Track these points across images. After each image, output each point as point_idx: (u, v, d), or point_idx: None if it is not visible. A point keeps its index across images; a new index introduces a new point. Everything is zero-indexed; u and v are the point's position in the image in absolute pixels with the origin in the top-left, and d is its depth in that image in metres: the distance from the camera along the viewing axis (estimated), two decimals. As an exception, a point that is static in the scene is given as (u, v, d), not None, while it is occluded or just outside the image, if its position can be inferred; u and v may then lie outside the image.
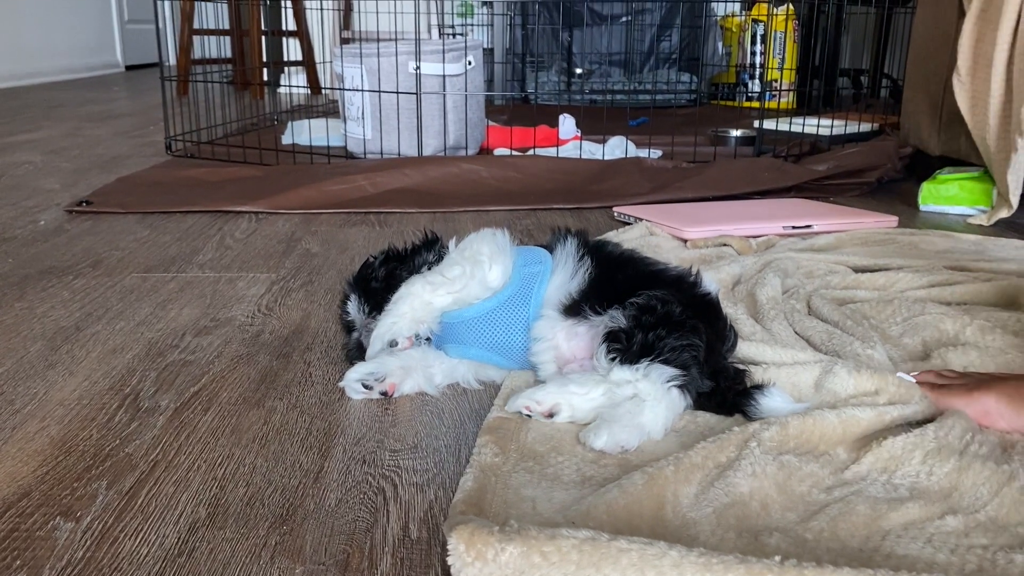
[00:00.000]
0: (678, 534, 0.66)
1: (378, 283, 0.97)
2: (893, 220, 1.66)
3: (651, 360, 0.82)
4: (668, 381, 0.82)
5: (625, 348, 0.83)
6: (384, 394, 0.90)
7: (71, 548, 0.65)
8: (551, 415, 0.84)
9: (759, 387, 0.86)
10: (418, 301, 0.92)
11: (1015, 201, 1.67)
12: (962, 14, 1.78)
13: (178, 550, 0.65)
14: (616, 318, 0.86)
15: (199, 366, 0.99)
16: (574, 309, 0.90)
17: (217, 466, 0.77)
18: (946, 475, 0.73)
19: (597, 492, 0.69)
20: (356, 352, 0.98)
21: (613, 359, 0.84)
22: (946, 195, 1.84)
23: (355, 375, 0.90)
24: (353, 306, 0.98)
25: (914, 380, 0.88)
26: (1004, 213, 1.69)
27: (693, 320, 0.85)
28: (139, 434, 0.83)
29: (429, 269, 0.96)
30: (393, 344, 0.92)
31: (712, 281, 0.96)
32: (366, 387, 0.90)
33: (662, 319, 0.84)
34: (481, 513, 0.67)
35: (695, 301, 0.90)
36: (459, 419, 0.87)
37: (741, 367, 0.90)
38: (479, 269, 0.93)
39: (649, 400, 0.81)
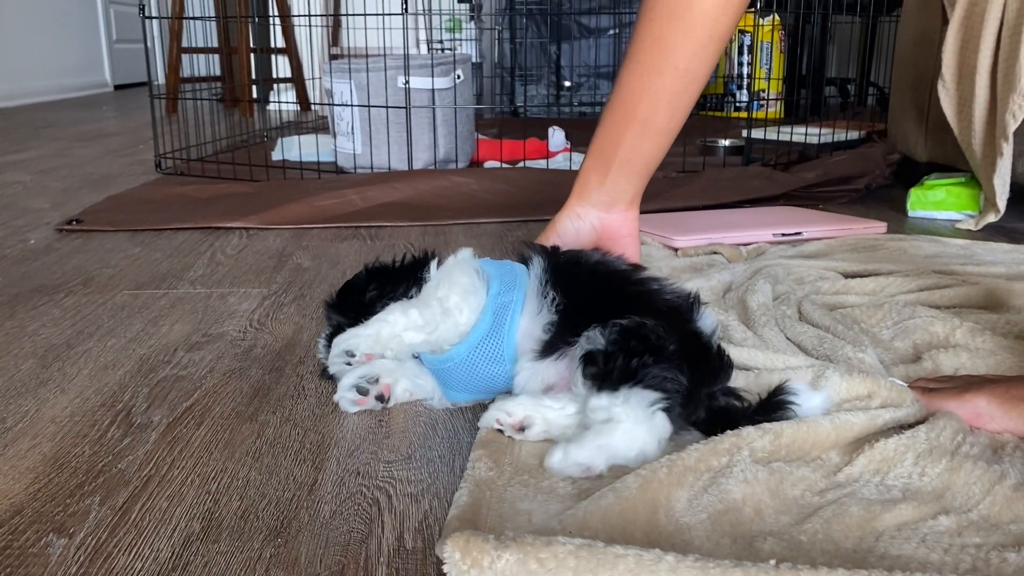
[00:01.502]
0: (672, 539, 0.66)
1: (355, 314, 0.93)
2: (882, 226, 1.67)
3: (632, 385, 0.76)
4: (652, 404, 0.76)
5: (603, 372, 0.77)
6: (380, 399, 0.90)
7: (64, 564, 0.64)
8: (522, 428, 0.81)
9: (782, 391, 0.81)
10: (388, 329, 0.89)
11: (1002, 205, 1.68)
12: (945, 21, 1.80)
13: (172, 564, 0.64)
14: (594, 339, 0.80)
15: (191, 381, 0.99)
16: (551, 346, 0.84)
17: (211, 480, 0.77)
18: (938, 475, 0.73)
19: (591, 497, 0.69)
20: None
21: (591, 385, 0.78)
22: (934, 200, 1.85)
23: (349, 380, 0.90)
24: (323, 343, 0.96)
25: (906, 385, 0.88)
26: (991, 217, 1.71)
27: (682, 359, 0.79)
28: (132, 450, 0.82)
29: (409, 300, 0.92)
30: (350, 354, 0.90)
31: (711, 315, 0.88)
32: (361, 392, 0.89)
33: (652, 348, 0.78)
34: (477, 528, 0.67)
35: (687, 337, 0.82)
36: (453, 429, 0.87)
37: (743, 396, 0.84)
38: (449, 318, 0.89)
39: (625, 422, 0.75)
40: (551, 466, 0.75)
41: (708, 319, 0.86)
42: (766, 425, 0.76)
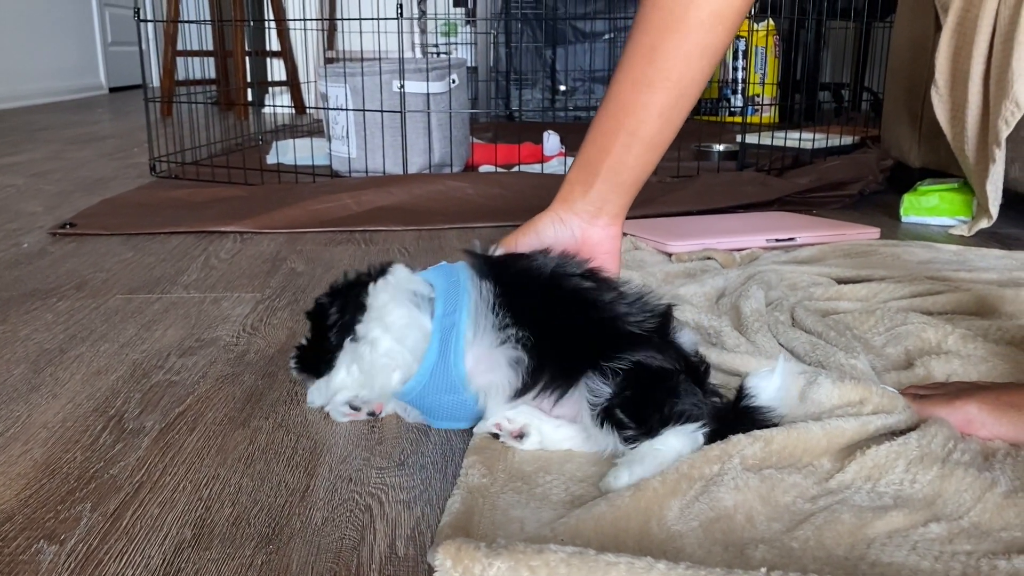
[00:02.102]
0: (664, 547, 0.66)
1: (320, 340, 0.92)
2: (875, 232, 1.67)
3: (671, 425, 0.76)
4: (693, 432, 0.76)
5: (638, 432, 0.76)
6: (373, 415, 0.90)
7: (55, 571, 0.64)
8: (520, 436, 0.81)
9: (742, 397, 0.81)
10: (334, 385, 0.91)
11: (995, 211, 1.69)
12: (939, 28, 1.81)
13: (163, 572, 0.64)
14: (599, 390, 0.77)
15: (184, 387, 0.99)
16: (530, 388, 0.81)
17: (202, 486, 0.77)
18: (929, 483, 0.73)
19: (585, 506, 0.69)
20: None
21: (627, 438, 0.76)
22: (927, 206, 1.86)
23: (342, 397, 0.90)
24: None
25: (897, 392, 0.89)
26: (984, 223, 1.71)
27: (688, 383, 0.79)
28: (124, 455, 0.82)
29: (352, 339, 0.88)
30: (355, 409, 0.90)
31: (689, 334, 0.84)
32: (354, 408, 0.89)
33: (669, 388, 0.77)
34: (469, 536, 0.67)
35: (681, 358, 0.81)
36: (446, 436, 0.87)
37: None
38: (381, 373, 0.86)
39: (674, 445, 0.76)
40: (612, 486, 0.74)
41: (686, 335, 0.83)
42: (756, 432, 0.76)
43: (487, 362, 0.82)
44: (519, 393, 0.81)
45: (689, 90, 0.91)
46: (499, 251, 0.92)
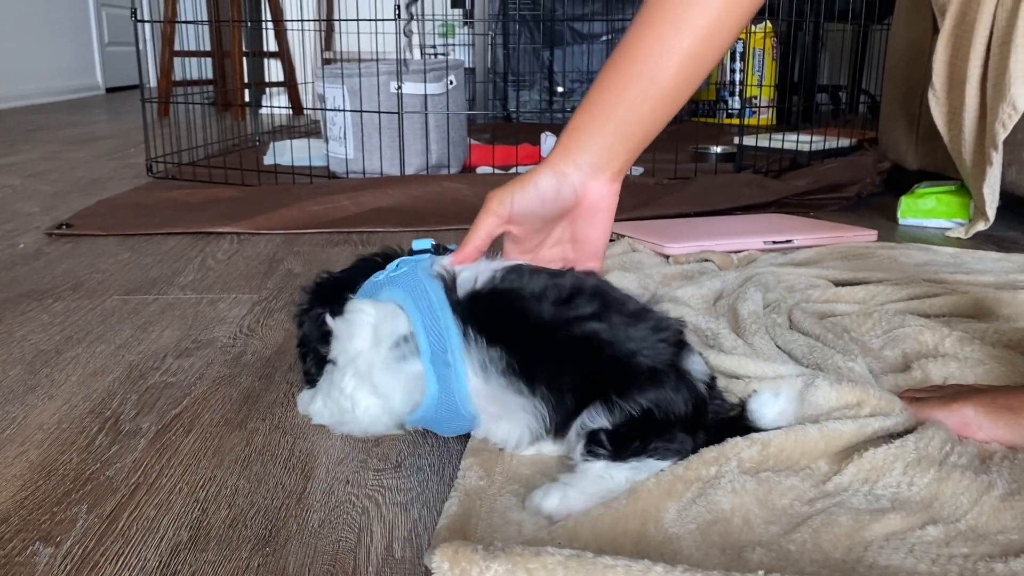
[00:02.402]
0: (661, 550, 0.66)
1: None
2: (872, 234, 1.68)
3: (642, 458, 0.73)
4: (660, 469, 0.72)
5: (613, 453, 0.73)
6: None
7: (51, 574, 0.64)
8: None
9: (744, 415, 0.78)
10: (314, 413, 0.90)
11: (992, 214, 1.69)
12: (936, 30, 1.81)
13: (160, 574, 0.64)
14: (597, 417, 0.73)
15: (180, 388, 0.98)
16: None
17: (199, 488, 0.76)
18: (926, 485, 0.73)
19: (587, 515, 0.69)
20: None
21: (594, 457, 0.73)
22: (924, 209, 1.86)
23: (319, 421, 0.88)
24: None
25: (895, 395, 0.89)
26: (981, 226, 1.71)
27: (692, 422, 0.75)
28: (120, 457, 0.82)
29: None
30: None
31: (698, 359, 0.79)
32: None
33: (663, 428, 0.74)
34: (466, 538, 0.67)
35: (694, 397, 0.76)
36: (442, 438, 0.87)
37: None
38: (362, 426, 0.84)
39: (625, 479, 0.72)
40: (541, 508, 0.71)
41: (696, 364, 0.78)
42: (754, 435, 0.76)
43: (499, 406, 0.78)
44: (537, 439, 0.79)
45: (715, 44, 0.83)
46: (488, 220, 0.85)
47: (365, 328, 0.80)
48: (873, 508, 0.71)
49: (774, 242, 1.61)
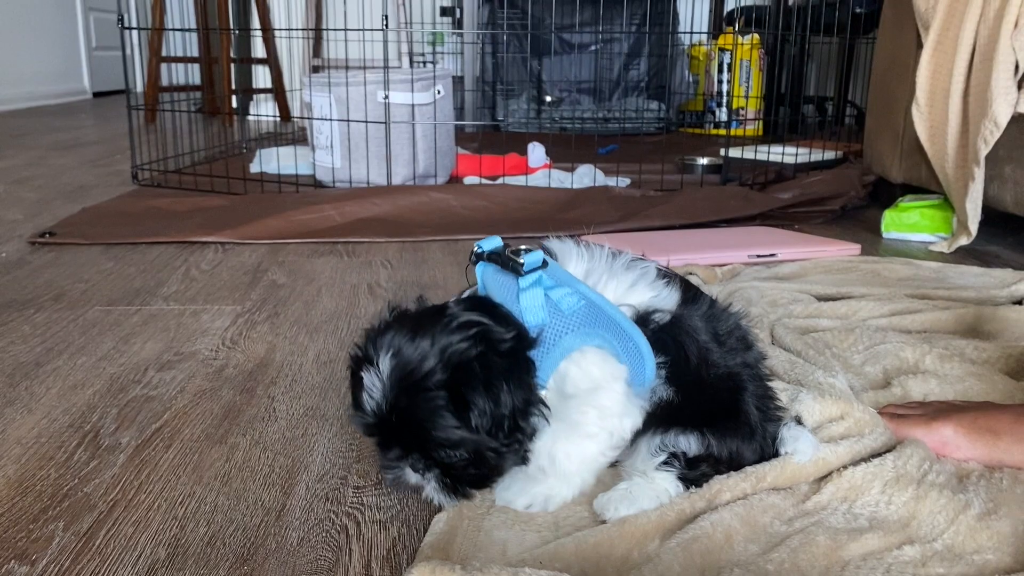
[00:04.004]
0: (643, 571, 0.66)
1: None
2: (856, 248, 1.69)
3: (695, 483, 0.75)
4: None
5: (682, 475, 0.75)
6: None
7: (25, 593, 0.64)
8: None
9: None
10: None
11: (974, 228, 1.70)
12: (920, 45, 1.82)
13: (136, 593, 0.64)
14: (687, 444, 0.75)
15: (161, 402, 0.98)
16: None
17: (177, 505, 0.76)
18: (904, 504, 0.74)
19: (571, 535, 0.69)
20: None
21: (662, 470, 0.75)
22: (908, 223, 1.87)
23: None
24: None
25: (876, 412, 0.89)
26: (963, 240, 1.73)
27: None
28: (98, 473, 0.81)
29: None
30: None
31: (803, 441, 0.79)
32: None
33: (723, 469, 0.77)
34: (448, 557, 0.67)
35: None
36: (424, 453, 0.87)
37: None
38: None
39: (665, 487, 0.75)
40: (609, 516, 0.73)
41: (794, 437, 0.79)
42: (749, 469, 0.76)
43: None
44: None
45: None
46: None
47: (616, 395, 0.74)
48: (851, 527, 0.71)
49: (758, 255, 1.61)
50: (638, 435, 0.76)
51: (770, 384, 0.82)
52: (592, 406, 0.72)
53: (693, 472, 0.76)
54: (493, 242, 0.77)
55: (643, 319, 0.74)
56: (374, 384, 0.68)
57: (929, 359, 1.05)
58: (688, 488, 0.75)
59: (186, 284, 1.46)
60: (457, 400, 0.66)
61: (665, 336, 0.74)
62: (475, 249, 0.77)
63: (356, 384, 0.70)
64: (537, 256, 0.73)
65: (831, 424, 0.86)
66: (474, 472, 0.70)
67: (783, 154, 2.41)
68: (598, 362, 0.71)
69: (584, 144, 3.24)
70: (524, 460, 0.72)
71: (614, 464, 0.79)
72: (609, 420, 0.73)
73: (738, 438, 0.77)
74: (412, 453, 0.69)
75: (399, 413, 0.67)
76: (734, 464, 0.77)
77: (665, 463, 0.75)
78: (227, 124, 3.80)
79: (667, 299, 0.76)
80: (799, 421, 0.82)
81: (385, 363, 0.67)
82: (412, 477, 0.70)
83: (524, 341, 0.70)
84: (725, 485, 0.74)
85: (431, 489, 0.71)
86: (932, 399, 0.97)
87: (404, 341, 0.68)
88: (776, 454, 0.78)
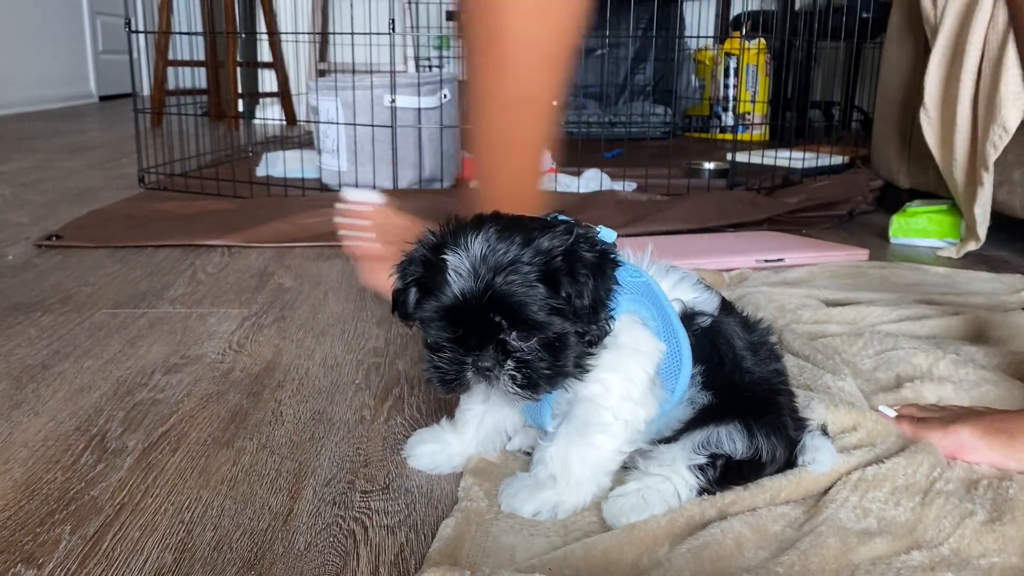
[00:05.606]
0: (652, 575, 0.65)
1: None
2: (864, 253, 1.68)
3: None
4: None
5: (716, 481, 0.75)
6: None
7: (32, 597, 0.63)
8: None
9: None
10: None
11: (983, 234, 1.69)
12: (928, 50, 1.82)
13: (142, 598, 0.63)
14: (735, 442, 0.74)
15: (168, 405, 0.98)
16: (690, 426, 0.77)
17: (184, 509, 0.76)
18: (912, 509, 0.73)
19: (580, 540, 0.69)
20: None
21: (690, 472, 0.75)
22: (916, 228, 1.86)
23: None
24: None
25: (894, 414, 0.89)
26: (972, 246, 1.72)
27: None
28: (105, 476, 0.81)
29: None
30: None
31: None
32: None
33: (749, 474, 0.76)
34: (457, 562, 0.66)
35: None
36: (431, 458, 0.86)
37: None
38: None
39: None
40: (617, 522, 0.73)
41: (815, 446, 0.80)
42: (764, 482, 0.76)
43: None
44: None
45: None
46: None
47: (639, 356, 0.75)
48: (860, 528, 0.71)
49: (766, 260, 1.60)
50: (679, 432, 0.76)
51: (795, 395, 0.83)
52: (617, 380, 0.72)
53: (719, 488, 0.75)
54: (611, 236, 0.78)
55: (688, 318, 0.76)
56: (462, 264, 0.67)
57: (943, 364, 1.04)
58: (701, 495, 0.75)
59: (192, 287, 1.46)
60: (550, 281, 0.67)
61: (704, 341, 0.76)
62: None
63: (434, 269, 0.69)
64: (611, 234, 0.76)
65: (844, 435, 0.86)
66: (547, 365, 0.69)
67: (790, 159, 2.40)
68: (639, 330, 0.73)
69: (590, 148, 3.23)
70: (592, 350, 0.71)
71: (625, 466, 0.78)
72: (626, 406, 0.73)
73: (781, 438, 0.76)
74: (490, 343, 0.68)
75: (493, 290, 0.66)
76: (762, 467, 0.76)
77: (700, 468, 0.74)
78: (233, 128, 3.80)
79: (709, 302, 0.78)
80: (824, 431, 0.81)
81: (477, 244, 0.67)
82: (479, 374, 0.69)
83: (609, 246, 0.73)
84: (740, 496, 0.74)
85: (503, 384, 0.69)
86: (946, 403, 0.96)
87: (496, 228, 0.69)
88: (795, 462, 0.78)
